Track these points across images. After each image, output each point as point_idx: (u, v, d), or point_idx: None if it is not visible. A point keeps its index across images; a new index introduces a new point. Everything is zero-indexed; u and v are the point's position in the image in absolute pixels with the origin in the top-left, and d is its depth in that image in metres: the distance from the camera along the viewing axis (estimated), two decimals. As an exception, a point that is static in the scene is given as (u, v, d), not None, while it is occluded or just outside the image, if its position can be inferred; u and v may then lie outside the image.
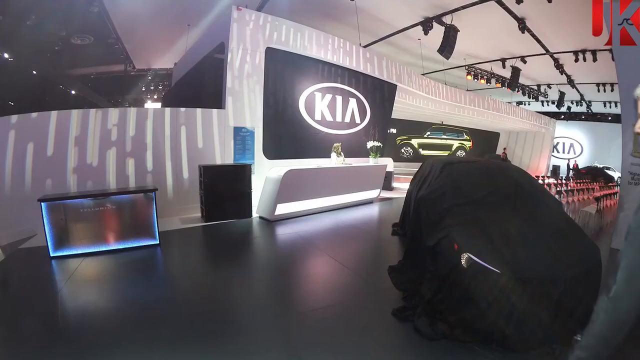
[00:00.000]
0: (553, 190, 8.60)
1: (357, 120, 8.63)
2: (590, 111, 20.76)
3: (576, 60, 11.58)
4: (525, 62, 12.98)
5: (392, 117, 10.41)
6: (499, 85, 14.97)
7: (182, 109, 6.10)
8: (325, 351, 2.27)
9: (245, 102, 6.54)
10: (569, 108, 19.83)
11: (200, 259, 4.41)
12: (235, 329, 2.55)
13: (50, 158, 4.86)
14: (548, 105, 19.41)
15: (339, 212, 6.71)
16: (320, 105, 7.79)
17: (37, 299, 2.94)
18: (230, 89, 6.34)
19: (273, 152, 6.99)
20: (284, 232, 5.32)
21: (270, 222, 5.78)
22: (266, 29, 6.71)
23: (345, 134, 8.33)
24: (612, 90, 14.48)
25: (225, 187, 5.75)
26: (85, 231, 4.08)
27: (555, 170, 20.05)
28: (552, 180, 12.75)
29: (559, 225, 2.74)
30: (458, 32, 9.93)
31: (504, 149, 19.18)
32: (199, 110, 6.21)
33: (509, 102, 16.93)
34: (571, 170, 19.09)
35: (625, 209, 4.86)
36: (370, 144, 8.16)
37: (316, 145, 7.69)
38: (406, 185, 4.12)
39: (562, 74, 13.66)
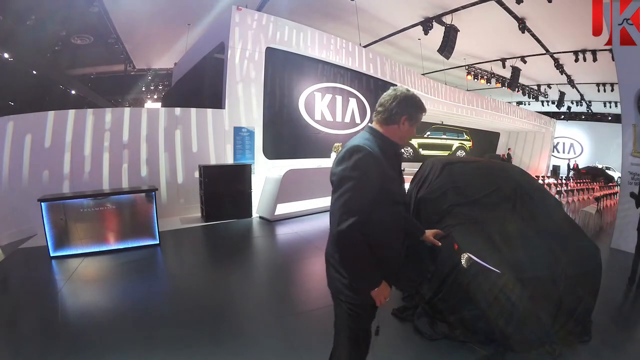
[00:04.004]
0: (553, 190, 8.60)
1: (357, 120, 8.63)
2: (590, 111, 20.76)
3: (576, 60, 11.57)
4: (525, 62, 12.97)
5: (392, 117, 10.36)
6: (499, 85, 14.97)
7: (186, 109, 6.12)
8: (325, 351, 2.26)
9: (245, 102, 6.53)
10: (569, 108, 19.82)
11: (201, 258, 4.41)
12: (235, 329, 2.55)
13: (48, 158, 4.86)
14: (548, 105, 19.41)
15: (339, 212, 6.70)
16: (320, 105, 7.79)
17: (37, 298, 2.95)
18: (230, 89, 6.33)
19: (273, 152, 6.98)
20: (284, 232, 5.32)
21: (270, 222, 5.78)
22: (267, 29, 6.71)
23: (345, 133, 8.33)
24: (612, 90, 14.46)
25: (225, 187, 5.75)
26: (85, 231, 4.08)
27: (555, 170, 20.04)
28: (552, 180, 12.75)
29: (559, 226, 2.74)
30: (458, 32, 9.93)
31: (509, 149, 19.12)
32: (200, 110, 6.22)
33: (509, 102, 16.93)
34: (571, 170, 19.08)
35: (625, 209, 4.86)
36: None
37: (316, 145, 7.69)
38: (406, 186, 4.13)
39: (562, 74, 13.65)
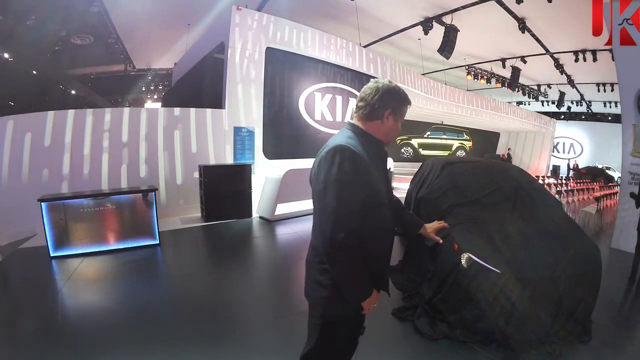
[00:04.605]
0: (553, 190, 8.60)
1: (357, 120, 8.63)
2: (590, 111, 20.75)
3: (576, 60, 11.57)
4: (525, 62, 12.96)
5: (392, 117, 10.36)
6: (499, 85, 14.96)
7: (186, 109, 6.12)
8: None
9: (245, 102, 6.53)
10: (569, 108, 19.82)
11: (200, 258, 4.41)
12: (235, 329, 2.55)
13: (48, 158, 4.85)
14: (548, 105, 19.40)
15: (339, 212, 6.70)
16: (320, 105, 7.78)
17: (37, 298, 2.95)
18: (230, 89, 6.33)
19: (273, 152, 6.98)
20: (284, 232, 5.32)
21: (270, 222, 5.78)
22: (267, 29, 6.70)
23: (345, 134, 8.32)
24: (612, 90, 14.45)
25: (225, 187, 5.74)
26: (85, 231, 4.08)
27: (555, 170, 20.05)
28: (552, 180, 12.75)
29: (559, 225, 2.74)
30: (458, 32, 9.93)
31: (509, 149, 19.13)
32: (199, 110, 6.22)
33: (509, 102, 16.93)
34: (571, 170, 19.08)
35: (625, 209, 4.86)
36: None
37: (316, 145, 7.64)
38: (406, 185, 4.12)
39: (562, 74, 13.65)
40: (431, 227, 1.63)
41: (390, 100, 1.30)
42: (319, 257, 1.23)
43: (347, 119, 8.32)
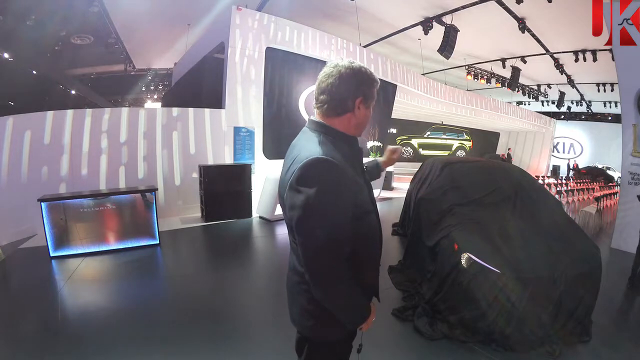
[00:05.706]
0: (553, 190, 8.60)
1: (357, 120, 8.62)
2: (590, 111, 20.74)
3: (576, 60, 11.57)
4: (525, 62, 12.96)
5: (392, 117, 10.38)
6: (499, 85, 14.96)
7: (184, 109, 6.12)
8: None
9: (245, 102, 6.53)
10: (569, 108, 19.81)
11: (200, 258, 4.41)
12: (235, 329, 2.55)
13: (47, 158, 4.84)
14: (548, 105, 19.40)
15: (339, 212, 6.69)
16: (320, 105, 7.78)
17: (37, 298, 2.95)
18: (230, 89, 6.33)
19: (273, 151, 6.98)
20: (284, 232, 5.32)
21: (270, 222, 5.78)
22: (267, 29, 6.70)
23: (345, 134, 8.31)
24: (612, 90, 14.45)
25: (225, 187, 5.74)
26: (85, 231, 4.08)
27: (555, 170, 20.04)
28: (552, 180, 12.75)
29: (559, 226, 2.74)
30: (458, 32, 9.93)
31: (509, 149, 19.12)
32: (198, 110, 6.22)
33: (509, 102, 16.93)
34: (571, 170, 19.07)
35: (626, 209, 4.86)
36: (370, 144, 8.15)
37: (316, 145, 7.67)
38: (406, 185, 4.13)
39: (562, 74, 13.64)
40: (384, 157, 1.64)
41: (359, 86, 1.07)
42: (306, 285, 1.05)
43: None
